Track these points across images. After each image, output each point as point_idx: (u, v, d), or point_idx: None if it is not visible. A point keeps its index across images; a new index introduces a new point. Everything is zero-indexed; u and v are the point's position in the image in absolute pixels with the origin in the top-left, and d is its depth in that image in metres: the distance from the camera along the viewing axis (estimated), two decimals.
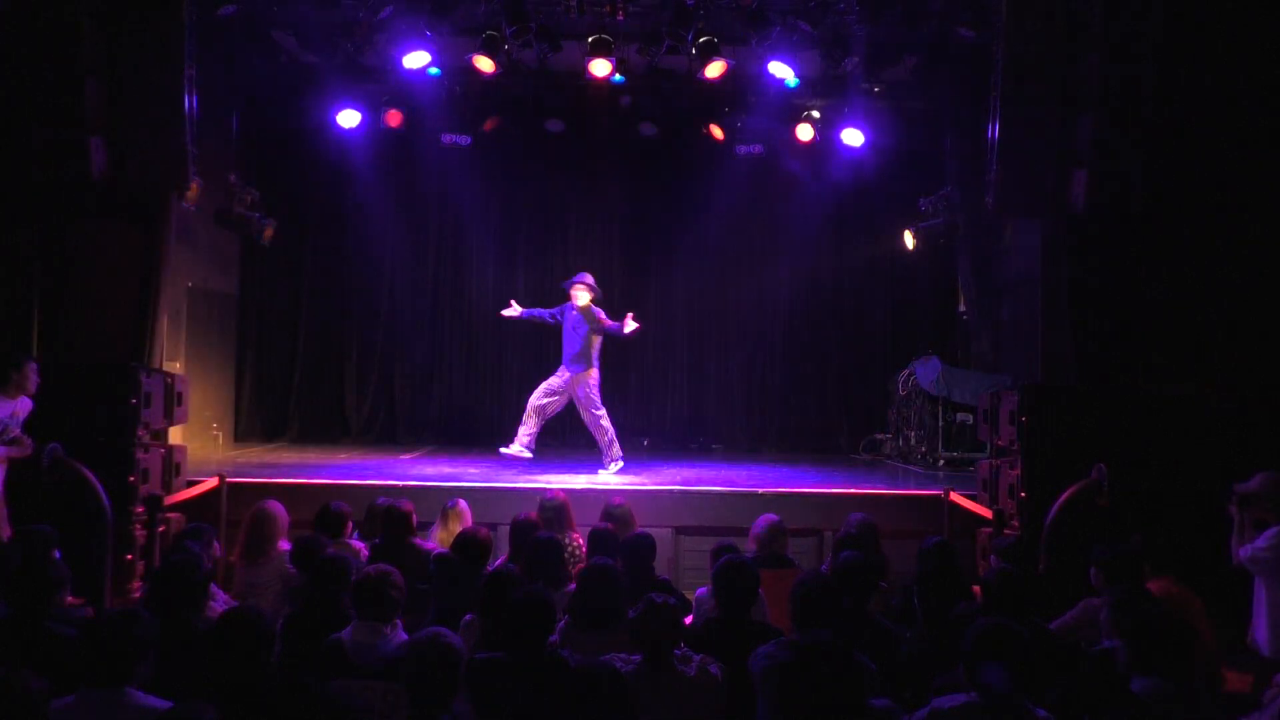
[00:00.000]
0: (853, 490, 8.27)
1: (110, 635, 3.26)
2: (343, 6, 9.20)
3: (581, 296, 8.93)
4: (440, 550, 5.59)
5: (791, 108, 10.86)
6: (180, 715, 2.87)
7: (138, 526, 6.65)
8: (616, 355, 12.65)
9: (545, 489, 7.03)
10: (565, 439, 12.36)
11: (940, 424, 10.57)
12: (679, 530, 7.64)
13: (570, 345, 8.96)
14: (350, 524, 6.06)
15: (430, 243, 12.65)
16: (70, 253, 7.54)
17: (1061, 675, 3.73)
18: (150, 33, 7.19)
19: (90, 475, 6.21)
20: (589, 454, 11.51)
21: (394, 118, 10.65)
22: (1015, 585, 4.27)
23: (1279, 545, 4.58)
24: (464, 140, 11.30)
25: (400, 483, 7.99)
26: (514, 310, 9.15)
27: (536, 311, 9.23)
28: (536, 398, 8.99)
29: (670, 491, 8.04)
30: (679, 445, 12.35)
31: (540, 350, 12.63)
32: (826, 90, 10.62)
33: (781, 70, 9.52)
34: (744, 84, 10.34)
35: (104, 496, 6.21)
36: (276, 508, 5.79)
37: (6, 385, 5.93)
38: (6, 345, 6.83)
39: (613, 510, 6.02)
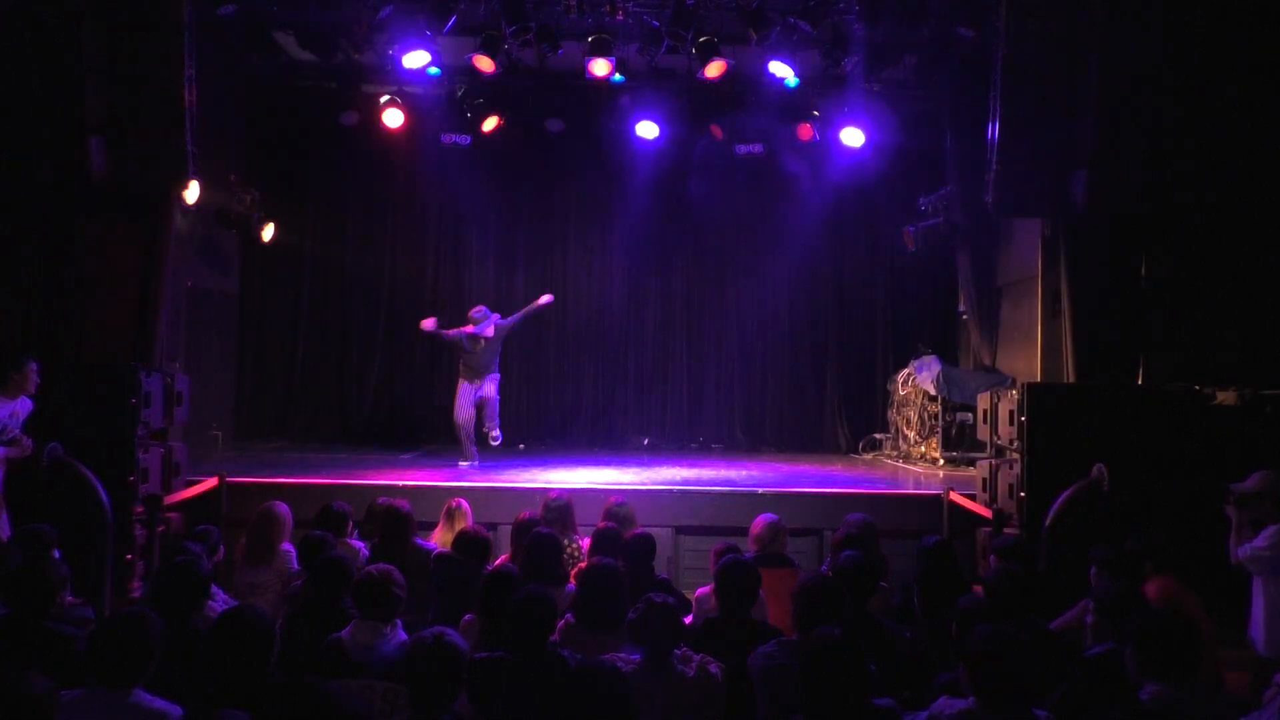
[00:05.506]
0: (852, 490, 8.27)
1: (122, 635, 3.25)
2: (343, 6, 9.19)
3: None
4: (441, 550, 5.59)
5: (791, 108, 10.86)
6: None
7: (138, 526, 6.65)
8: (616, 355, 12.67)
9: (546, 488, 7.03)
10: (565, 438, 12.39)
11: (940, 424, 10.58)
12: (679, 530, 7.64)
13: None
14: (351, 524, 6.06)
15: (430, 243, 12.65)
16: (70, 253, 7.54)
17: (1062, 677, 3.72)
18: (150, 33, 7.19)
19: (90, 475, 6.21)
20: (588, 452, 11.54)
21: (394, 118, 10.65)
22: (1019, 585, 4.27)
23: (1278, 544, 4.59)
24: (464, 140, 11.29)
25: (400, 483, 8.00)
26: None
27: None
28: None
29: (670, 491, 8.04)
30: (679, 445, 12.35)
31: (538, 350, 12.65)
32: (826, 90, 10.63)
33: (781, 70, 9.52)
34: (744, 84, 10.33)
35: (104, 496, 6.21)
36: (283, 509, 5.78)
37: (6, 385, 5.93)
38: (6, 345, 6.83)
39: (615, 509, 6.01)
